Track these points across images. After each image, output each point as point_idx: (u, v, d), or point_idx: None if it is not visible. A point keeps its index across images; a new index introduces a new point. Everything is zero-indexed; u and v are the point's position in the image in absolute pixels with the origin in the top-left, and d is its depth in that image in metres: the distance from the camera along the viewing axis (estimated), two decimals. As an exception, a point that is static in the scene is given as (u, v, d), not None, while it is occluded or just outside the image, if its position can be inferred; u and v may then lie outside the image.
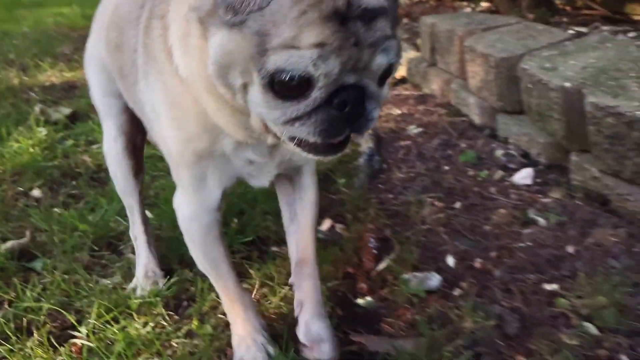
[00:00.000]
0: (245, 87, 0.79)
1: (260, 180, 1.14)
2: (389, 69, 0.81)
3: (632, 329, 1.34)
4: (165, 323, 1.33)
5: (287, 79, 0.74)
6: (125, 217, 1.68)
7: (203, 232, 1.16)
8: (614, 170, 1.78)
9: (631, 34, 3.68)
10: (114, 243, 1.72)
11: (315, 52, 0.72)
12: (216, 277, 1.23)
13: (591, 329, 1.34)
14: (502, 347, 1.27)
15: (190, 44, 0.88)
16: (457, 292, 1.48)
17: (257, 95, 0.79)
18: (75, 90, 3.46)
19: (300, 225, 1.26)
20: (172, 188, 1.25)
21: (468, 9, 5.46)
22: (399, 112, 2.91)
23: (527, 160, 2.25)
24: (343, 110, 0.78)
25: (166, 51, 0.96)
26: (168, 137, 1.05)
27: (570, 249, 1.65)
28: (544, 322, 1.35)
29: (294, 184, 1.27)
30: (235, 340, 1.24)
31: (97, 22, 1.48)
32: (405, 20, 4.82)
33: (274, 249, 1.70)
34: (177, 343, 1.26)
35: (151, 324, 1.29)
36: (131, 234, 1.56)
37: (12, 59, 4.18)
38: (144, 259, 1.53)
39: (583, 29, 3.86)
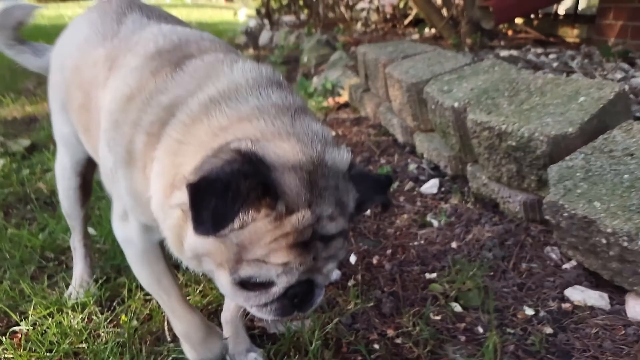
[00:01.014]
0: (214, 271, 0.94)
1: None
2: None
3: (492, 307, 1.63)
4: (96, 318, 1.57)
5: (254, 281, 0.90)
6: (70, 234, 1.94)
7: (143, 252, 1.25)
8: (496, 176, 2.09)
9: (552, 56, 4.11)
10: (58, 257, 1.96)
11: (280, 269, 0.88)
12: (159, 292, 1.29)
13: (456, 307, 1.63)
14: (377, 323, 1.55)
15: (170, 219, 0.97)
16: (351, 282, 1.75)
17: (225, 282, 0.92)
18: (36, 123, 3.70)
19: None
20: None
21: (416, 36, 5.90)
22: (333, 133, 3.21)
23: (436, 172, 2.56)
24: (294, 300, 0.94)
25: (145, 171, 1.04)
26: (126, 201, 1.16)
27: (453, 244, 1.95)
28: (416, 303, 1.63)
29: None
30: (186, 349, 1.35)
31: (60, 63, 1.49)
32: (352, 48, 5.19)
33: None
34: (104, 333, 1.50)
35: (80, 318, 1.54)
36: (72, 244, 1.80)
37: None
38: (79, 269, 1.76)
39: (514, 52, 4.27)
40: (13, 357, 1.39)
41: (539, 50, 4.40)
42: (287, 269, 0.88)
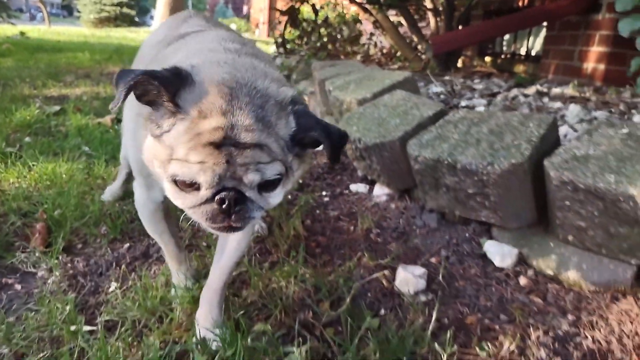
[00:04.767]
0: (162, 175, 1.15)
1: None
2: (270, 183, 1.13)
3: (324, 231, 2.91)
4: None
5: (182, 180, 1.10)
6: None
7: (149, 214, 1.64)
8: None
9: (476, 80, 5.39)
10: (68, 155, 3.36)
11: (198, 167, 1.06)
12: (160, 242, 1.76)
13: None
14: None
15: (140, 133, 1.25)
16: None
17: (167, 184, 1.16)
18: (66, 99, 5.26)
19: (221, 262, 1.62)
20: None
21: (395, 66, 7.29)
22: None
23: (327, 138, 3.89)
24: (222, 205, 1.10)
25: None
26: (130, 156, 1.58)
27: (325, 198, 3.26)
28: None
29: None
30: (173, 277, 1.84)
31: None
32: (330, 69, 6.62)
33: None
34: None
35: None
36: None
37: (27, 81, 6.07)
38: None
39: (453, 78, 5.57)
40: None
41: (476, 79, 5.70)
42: (204, 168, 1.06)
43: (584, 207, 1.81)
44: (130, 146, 1.51)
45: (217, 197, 1.09)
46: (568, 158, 1.89)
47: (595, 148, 1.91)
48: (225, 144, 1.06)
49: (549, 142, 2.10)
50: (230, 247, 1.61)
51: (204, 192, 1.10)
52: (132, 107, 1.42)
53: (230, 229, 1.16)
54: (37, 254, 2.13)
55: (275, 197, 1.18)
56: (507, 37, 7.25)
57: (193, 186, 1.10)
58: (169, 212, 1.69)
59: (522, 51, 6.99)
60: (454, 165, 2.09)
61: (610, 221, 1.77)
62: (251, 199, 1.12)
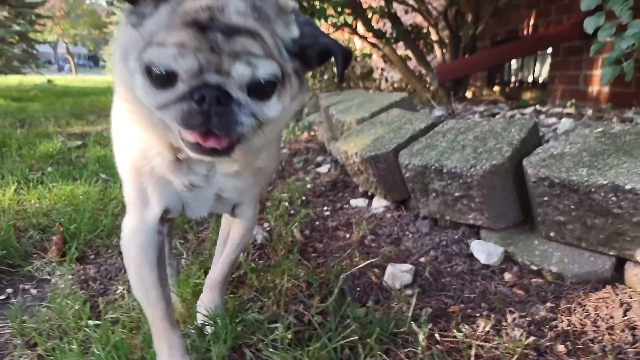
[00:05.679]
0: (135, 72, 0.98)
1: (198, 209, 1.35)
2: (263, 89, 0.97)
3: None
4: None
5: (157, 71, 0.93)
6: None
7: (138, 251, 1.27)
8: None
9: (481, 106, 5.52)
10: (80, 175, 3.58)
11: (175, 50, 0.90)
12: (146, 303, 1.33)
13: (285, 202, 3.06)
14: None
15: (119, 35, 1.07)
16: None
17: (139, 80, 0.97)
18: (88, 135, 5.56)
19: (223, 256, 1.61)
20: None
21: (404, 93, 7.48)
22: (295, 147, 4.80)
23: (333, 163, 4.05)
24: (201, 104, 0.92)
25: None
26: (117, 157, 1.31)
27: (308, 185, 3.40)
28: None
29: (233, 221, 1.56)
30: None
31: None
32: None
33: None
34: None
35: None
36: None
37: (52, 120, 6.43)
38: None
39: (459, 106, 5.72)
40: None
41: (481, 105, 5.84)
42: (183, 52, 0.90)
43: (561, 201, 1.91)
44: (116, 141, 1.33)
45: (197, 95, 0.93)
46: (545, 157, 2.01)
47: (571, 146, 2.03)
48: (211, 27, 0.92)
49: (530, 145, 2.22)
50: (232, 240, 1.57)
51: (181, 87, 0.94)
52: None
53: (212, 148, 0.99)
54: (53, 264, 2.29)
55: (270, 108, 1.01)
56: (514, 66, 7.43)
57: (169, 80, 0.95)
58: (160, 261, 1.34)
59: (529, 79, 7.14)
60: (441, 170, 2.22)
61: (586, 213, 1.86)
62: (239, 101, 0.96)
